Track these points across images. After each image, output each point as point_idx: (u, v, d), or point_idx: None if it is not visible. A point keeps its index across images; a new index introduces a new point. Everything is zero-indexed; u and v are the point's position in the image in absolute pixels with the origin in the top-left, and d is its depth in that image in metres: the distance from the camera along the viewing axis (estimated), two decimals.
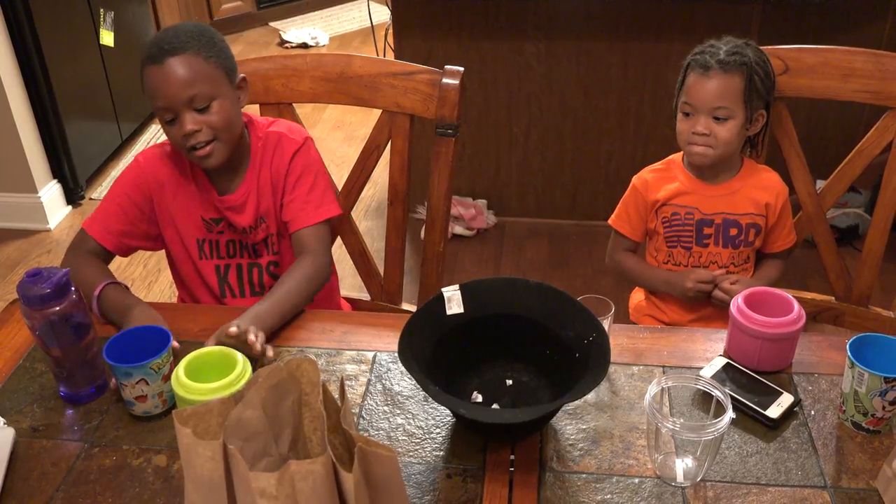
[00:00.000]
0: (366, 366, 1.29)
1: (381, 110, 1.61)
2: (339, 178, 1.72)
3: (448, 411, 1.18)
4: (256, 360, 1.23)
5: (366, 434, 1.16)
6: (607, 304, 1.25)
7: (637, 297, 1.86)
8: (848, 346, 1.13)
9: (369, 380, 1.26)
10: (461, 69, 1.55)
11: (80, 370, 1.20)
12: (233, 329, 1.22)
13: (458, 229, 3.04)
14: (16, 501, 1.06)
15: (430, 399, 1.19)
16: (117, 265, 2.82)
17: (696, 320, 1.73)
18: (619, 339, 1.31)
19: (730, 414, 1.03)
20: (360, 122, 3.88)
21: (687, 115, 1.62)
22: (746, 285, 1.59)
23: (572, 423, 1.17)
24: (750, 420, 1.17)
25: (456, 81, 1.54)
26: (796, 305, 1.25)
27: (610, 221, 1.78)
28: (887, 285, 1.89)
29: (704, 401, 1.16)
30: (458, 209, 3.04)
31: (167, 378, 1.17)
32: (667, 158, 1.74)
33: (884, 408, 1.11)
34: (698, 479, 1.07)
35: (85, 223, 1.47)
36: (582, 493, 1.06)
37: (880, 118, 1.58)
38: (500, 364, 1.25)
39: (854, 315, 1.72)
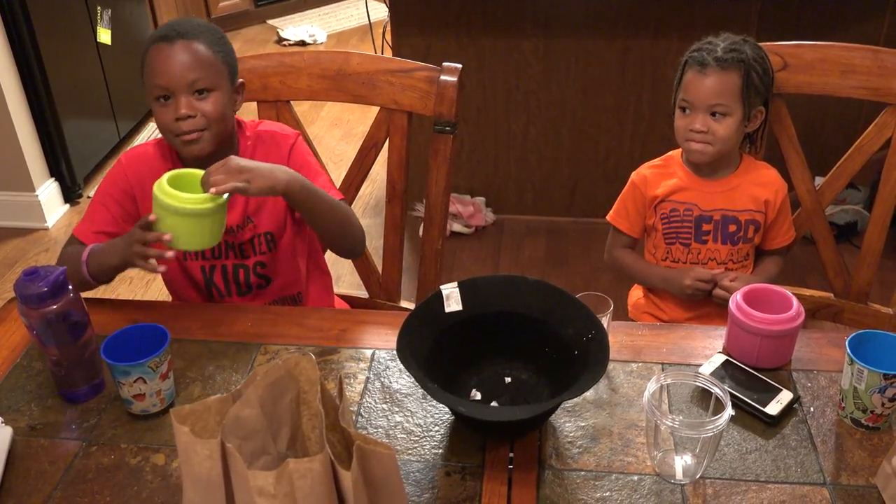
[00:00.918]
0: (364, 363, 1.29)
1: (378, 108, 1.60)
2: (338, 175, 1.71)
3: (447, 409, 1.18)
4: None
5: (364, 432, 1.16)
6: (606, 302, 1.25)
7: (636, 294, 1.86)
8: (847, 343, 1.13)
9: (368, 377, 1.26)
10: (459, 66, 1.55)
11: (78, 369, 1.20)
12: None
13: (457, 227, 3.04)
14: (14, 500, 1.06)
15: (428, 397, 1.19)
16: None
17: (694, 318, 1.73)
18: (618, 337, 1.31)
19: (729, 411, 1.03)
20: (357, 120, 3.88)
21: (685, 111, 1.62)
22: (745, 282, 1.59)
23: (571, 421, 1.17)
24: (749, 417, 1.17)
25: (454, 79, 1.53)
26: (795, 302, 1.25)
27: (608, 218, 1.77)
28: (886, 282, 1.88)
29: (703, 398, 1.16)
30: (456, 207, 3.03)
31: (165, 376, 1.17)
32: (665, 155, 1.73)
33: (883, 404, 1.11)
34: (697, 476, 1.07)
35: (75, 228, 1.47)
36: (581, 490, 1.06)
37: (879, 114, 1.58)
38: (499, 361, 1.25)
39: (853, 312, 1.72)
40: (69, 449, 1.13)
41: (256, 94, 1.63)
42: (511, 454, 1.12)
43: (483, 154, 3.07)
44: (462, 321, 1.21)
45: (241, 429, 0.89)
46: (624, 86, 2.86)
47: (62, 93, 3.15)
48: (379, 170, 1.69)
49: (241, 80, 1.45)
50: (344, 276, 2.54)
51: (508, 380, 1.24)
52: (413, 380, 1.13)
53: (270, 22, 5.26)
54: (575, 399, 1.18)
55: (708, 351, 1.30)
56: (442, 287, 1.22)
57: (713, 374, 1.22)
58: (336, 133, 3.84)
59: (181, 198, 1.24)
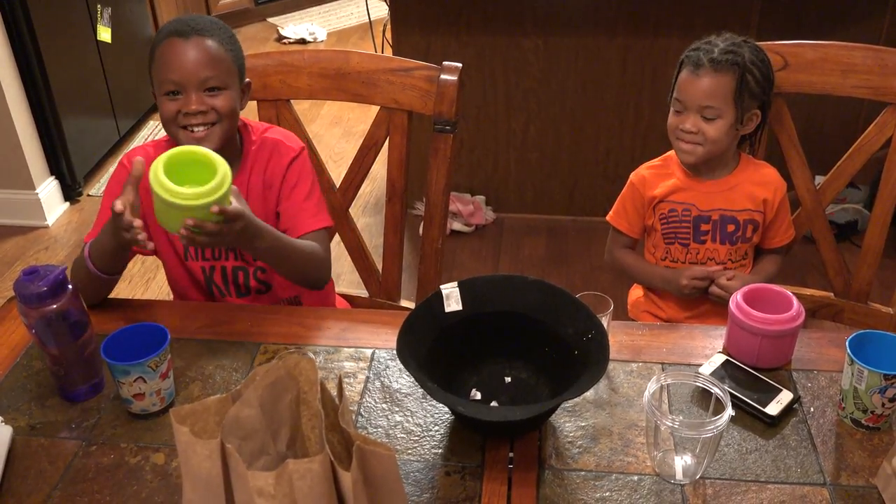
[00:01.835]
0: (364, 363, 1.29)
1: (379, 106, 1.60)
2: (338, 174, 1.71)
3: (447, 409, 1.18)
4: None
5: (364, 432, 1.16)
6: (606, 301, 1.25)
7: (636, 293, 1.86)
8: (847, 343, 1.13)
9: (367, 377, 1.26)
10: (459, 65, 1.54)
11: (78, 368, 1.20)
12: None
13: (457, 226, 3.04)
14: (13, 500, 1.06)
15: (428, 397, 1.18)
16: None
17: (692, 317, 1.73)
18: (618, 336, 1.31)
19: (729, 411, 1.03)
20: (357, 119, 3.87)
21: (677, 111, 1.62)
22: (743, 281, 1.59)
23: (571, 421, 1.17)
24: (749, 417, 1.17)
25: (454, 77, 1.53)
26: (795, 302, 1.25)
27: (608, 218, 1.77)
28: (886, 281, 1.88)
29: (703, 398, 1.15)
30: (456, 205, 3.03)
31: (165, 376, 1.17)
32: (664, 155, 1.73)
33: (883, 405, 1.11)
34: (697, 476, 1.07)
35: (86, 237, 1.45)
36: (581, 490, 1.06)
37: (880, 114, 1.58)
38: (499, 361, 1.25)
39: (853, 311, 1.72)
40: (69, 448, 1.13)
41: (256, 93, 1.63)
42: (511, 454, 1.12)
43: (483, 153, 3.07)
44: (462, 321, 1.21)
45: (241, 429, 0.89)
46: (624, 84, 2.86)
47: (62, 91, 3.14)
48: (379, 168, 1.69)
49: (248, 79, 1.45)
50: (344, 275, 2.54)
51: (508, 379, 1.24)
52: (413, 379, 1.13)
53: (270, 20, 5.26)
54: (575, 399, 1.18)
55: (708, 351, 1.30)
56: (442, 287, 1.22)
57: (713, 374, 1.22)
58: (336, 132, 3.84)
59: (176, 193, 1.19)
